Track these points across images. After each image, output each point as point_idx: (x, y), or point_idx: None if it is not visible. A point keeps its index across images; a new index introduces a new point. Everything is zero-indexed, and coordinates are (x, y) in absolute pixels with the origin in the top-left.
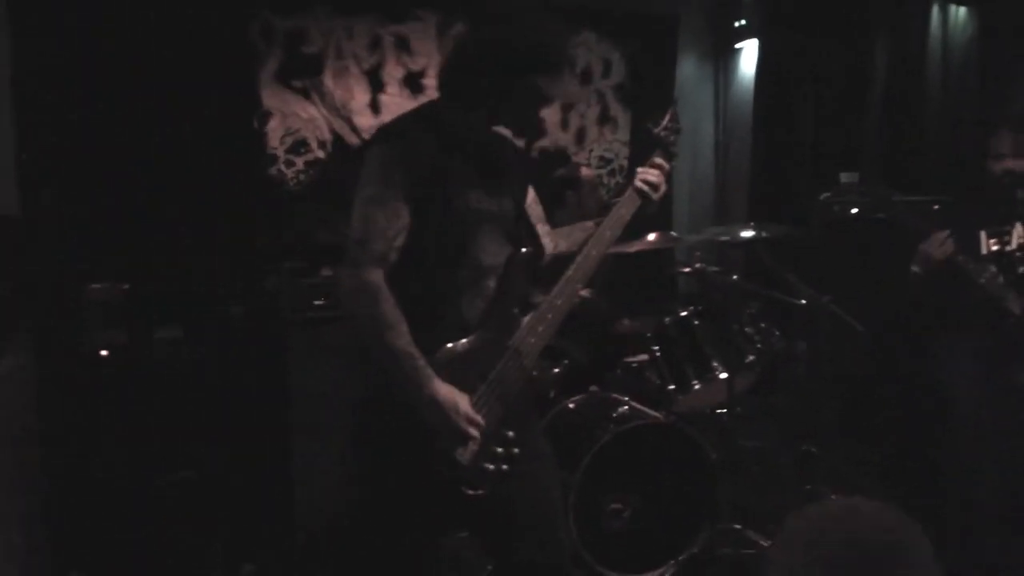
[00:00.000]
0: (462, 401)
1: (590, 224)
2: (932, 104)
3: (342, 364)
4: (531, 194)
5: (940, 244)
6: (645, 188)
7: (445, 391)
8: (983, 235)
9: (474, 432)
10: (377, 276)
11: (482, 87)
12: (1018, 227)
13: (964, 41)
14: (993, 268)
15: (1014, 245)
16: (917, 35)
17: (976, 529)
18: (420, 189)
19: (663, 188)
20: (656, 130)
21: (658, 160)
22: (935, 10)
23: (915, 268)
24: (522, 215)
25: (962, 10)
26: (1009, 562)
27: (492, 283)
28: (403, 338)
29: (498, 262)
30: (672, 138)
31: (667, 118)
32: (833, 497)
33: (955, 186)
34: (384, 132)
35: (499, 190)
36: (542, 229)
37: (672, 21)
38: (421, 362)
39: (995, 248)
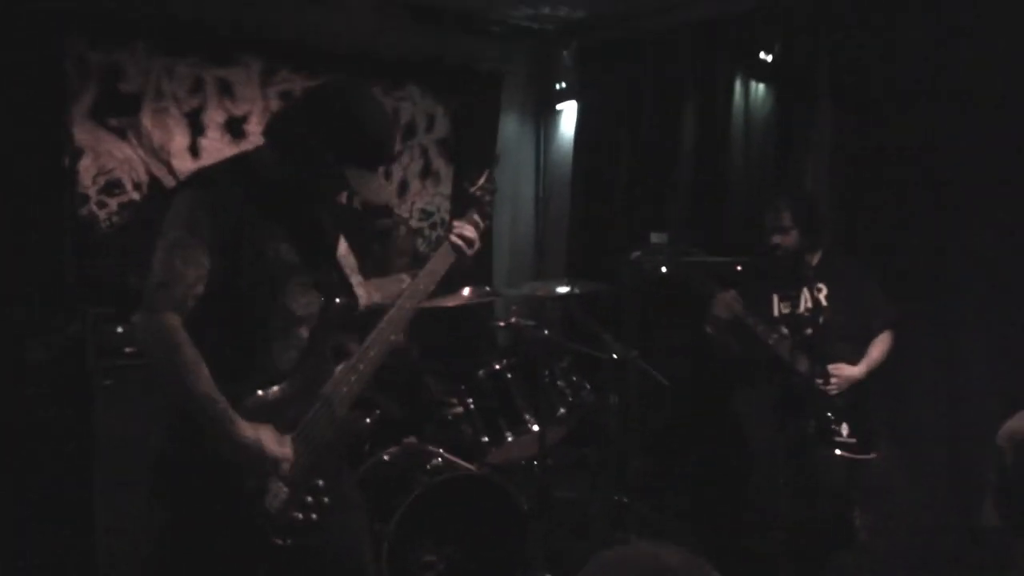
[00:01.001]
0: (266, 437)
1: (405, 276)
2: (735, 171)
3: (151, 413)
4: (343, 245)
5: (726, 305)
6: (460, 243)
7: (248, 430)
8: (775, 298)
9: (284, 466)
10: (174, 320)
11: (304, 153)
12: (805, 292)
13: (763, 114)
14: (784, 329)
15: (802, 308)
16: (722, 105)
17: (771, 562)
18: (227, 237)
19: (478, 244)
20: (472, 189)
21: (475, 217)
22: (738, 83)
23: (708, 329)
24: (334, 266)
25: (761, 86)
26: None
27: (305, 332)
28: (202, 381)
29: (310, 312)
30: (487, 198)
31: (483, 179)
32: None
33: (753, 250)
34: (195, 177)
35: (311, 241)
36: (355, 280)
37: (496, 79)
38: (222, 404)
39: (786, 311)
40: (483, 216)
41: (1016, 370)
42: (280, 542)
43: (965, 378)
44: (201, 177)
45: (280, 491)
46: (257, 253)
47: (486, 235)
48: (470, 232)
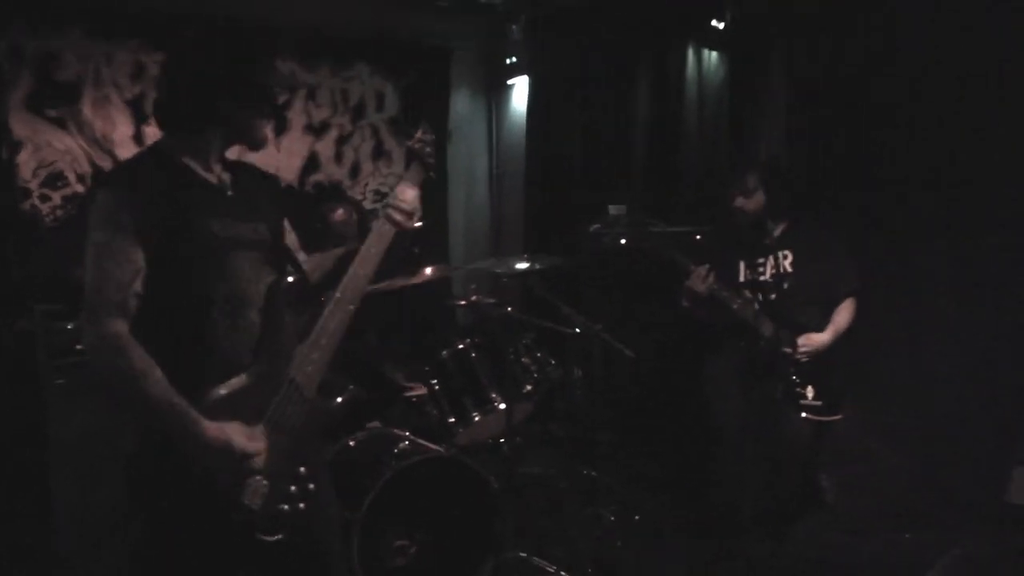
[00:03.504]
0: (234, 432)
1: (339, 251)
2: (690, 139)
3: (110, 413)
4: (284, 222)
5: (703, 279)
6: (396, 216)
7: (213, 429)
8: (742, 264)
9: (255, 463)
10: (118, 326)
11: (195, 113)
12: (770, 259)
13: (717, 82)
14: (748, 294)
15: (767, 275)
16: (675, 75)
17: (738, 528)
18: (155, 227)
19: (419, 213)
20: (410, 144)
21: (407, 192)
22: (690, 52)
23: (684, 303)
24: (281, 240)
25: (714, 54)
26: (766, 557)
27: (255, 317)
28: (158, 385)
29: (259, 291)
30: (428, 149)
31: (419, 132)
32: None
33: (714, 218)
34: (108, 175)
35: (250, 215)
36: (300, 257)
37: (444, 54)
38: (182, 406)
39: (751, 277)
40: (427, 168)
41: (979, 334)
42: (269, 538)
43: (929, 341)
44: (114, 174)
45: (260, 485)
46: (191, 235)
47: (443, 210)
48: (406, 203)
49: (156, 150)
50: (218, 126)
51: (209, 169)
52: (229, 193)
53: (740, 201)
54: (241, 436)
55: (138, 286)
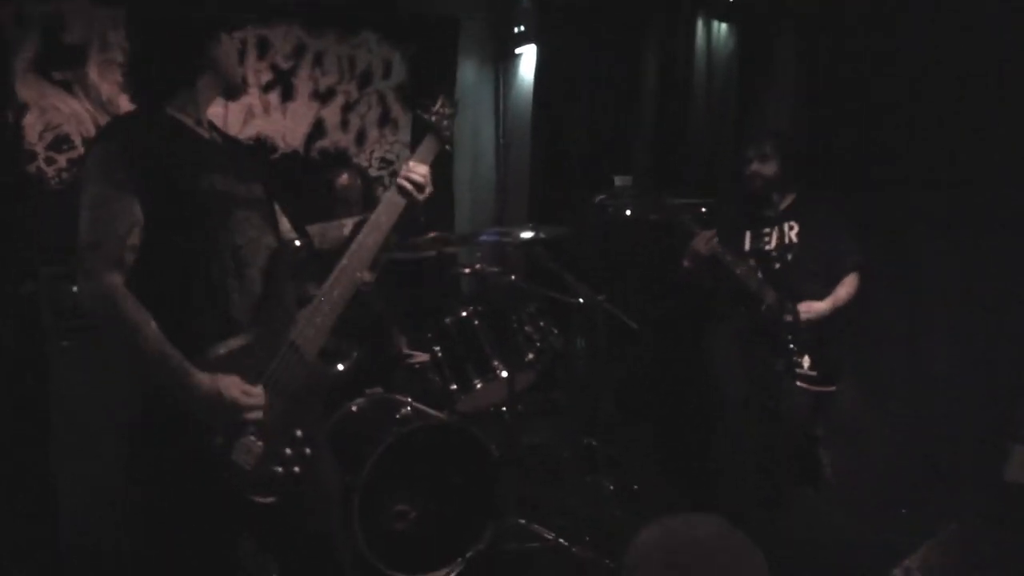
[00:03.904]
0: (227, 384)
1: (347, 221)
2: (697, 112)
3: (115, 376)
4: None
5: (707, 241)
6: (408, 187)
7: (205, 379)
8: (748, 234)
9: (251, 415)
10: (114, 279)
11: (177, 59)
12: (776, 229)
13: (726, 54)
14: (752, 262)
15: (772, 245)
16: (684, 47)
17: (738, 499)
18: (152, 181)
19: (429, 188)
20: (426, 115)
21: (420, 167)
22: (700, 24)
23: (685, 263)
24: (274, 201)
25: (723, 26)
26: (764, 529)
27: (257, 274)
28: (152, 337)
29: (259, 250)
30: (445, 123)
31: (439, 103)
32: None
33: (721, 189)
34: (103, 130)
35: (243, 174)
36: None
37: (453, 24)
38: (176, 359)
39: (756, 247)
40: (443, 141)
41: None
42: (262, 499)
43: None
44: (109, 128)
45: (254, 445)
46: (190, 189)
47: (449, 180)
48: (419, 176)
49: (152, 104)
50: (194, 66)
51: (200, 124)
52: (224, 149)
53: (756, 166)
54: (235, 388)
55: (135, 239)
